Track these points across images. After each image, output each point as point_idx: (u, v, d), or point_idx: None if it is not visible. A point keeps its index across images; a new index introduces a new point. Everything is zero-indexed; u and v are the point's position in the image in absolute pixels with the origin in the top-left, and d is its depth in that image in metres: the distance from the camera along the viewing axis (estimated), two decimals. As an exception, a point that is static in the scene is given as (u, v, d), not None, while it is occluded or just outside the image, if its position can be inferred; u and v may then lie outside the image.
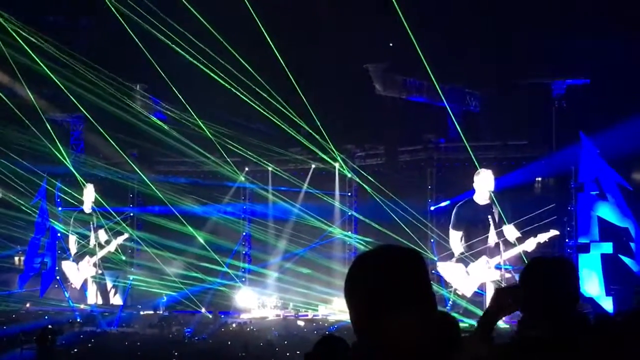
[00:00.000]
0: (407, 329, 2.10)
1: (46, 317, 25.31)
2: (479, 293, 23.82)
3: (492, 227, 23.64)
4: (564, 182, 23.49)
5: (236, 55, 20.66)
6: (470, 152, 23.17)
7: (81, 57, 23.10)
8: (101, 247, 28.70)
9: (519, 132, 24.78)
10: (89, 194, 28.56)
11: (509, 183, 23.75)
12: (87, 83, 23.08)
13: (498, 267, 23.54)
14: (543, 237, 22.61)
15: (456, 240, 24.46)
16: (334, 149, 24.96)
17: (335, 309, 25.10)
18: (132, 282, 28.19)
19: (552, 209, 22.79)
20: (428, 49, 20.15)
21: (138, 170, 26.30)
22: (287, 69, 20.31)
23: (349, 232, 27.06)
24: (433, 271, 24.02)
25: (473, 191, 24.03)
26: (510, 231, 23.29)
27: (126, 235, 28.33)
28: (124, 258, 28.61)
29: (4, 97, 23.14)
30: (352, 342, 2.32)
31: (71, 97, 23.31)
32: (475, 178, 23.87)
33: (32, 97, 23.90)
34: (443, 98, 23.22)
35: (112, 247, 28.47)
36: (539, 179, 24.52)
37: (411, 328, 2.11)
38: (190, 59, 21.27)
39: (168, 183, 27.20)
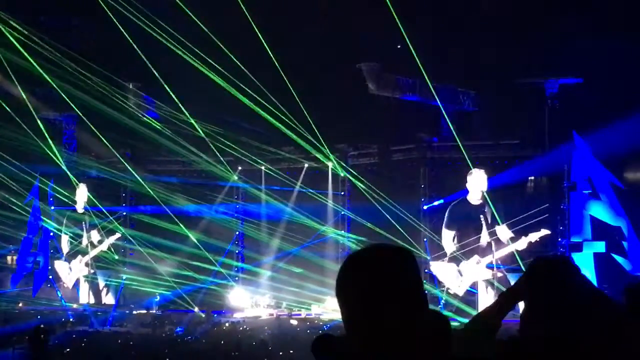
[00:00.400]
0: (397, 328, 2.11)
1: (39, 317, 25.17)
2: (471, 292, 23.87)
3: (484, 227, 23.68)
4: (557, 181, 23.56)
5: (229, 54, 20.64)
6: (463, 151, 23.22)
7: (74, 56, 23.04)
8: (94, 246, 28.65)
9: (512, 131, 24.84)
10: (82, 194, 28.50)
11: (502, 182, 23.79)
12: (79, 82, 23.02)
13: (490, 266, 23.59)
14: (534, 237, 22.66)
15: (449, 239, 24.50)
16: (327, 148, 24.96)
17: (328, 308, 25.08)
18: (125, 281, 28.13)
19: (545, 208, 22.83)
20: (421, 48, 20.17)
21: (131, 169, 26.23)
22: (280, 69, 20.32)
23: (342, 231, 27.07)
24: (426, 270, 24.07)
25: (467, 191, 24.07)
26: (503, 232, 23.33)
27: (118, 235, 28.28)
28: (116, 257, 28.59)
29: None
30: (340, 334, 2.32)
31: (64, 95, 23.26)
32: (468, 178, 23.91)
33: (24, 95, 23.83)
34: (436, 97, 23.26)
35: (104, 247, 28.43)
36: (532, 178, 24.58)
37: (401, 326, 2.11)
38: (184, 56, 21.24)
39: (161, 182, 27.15)
